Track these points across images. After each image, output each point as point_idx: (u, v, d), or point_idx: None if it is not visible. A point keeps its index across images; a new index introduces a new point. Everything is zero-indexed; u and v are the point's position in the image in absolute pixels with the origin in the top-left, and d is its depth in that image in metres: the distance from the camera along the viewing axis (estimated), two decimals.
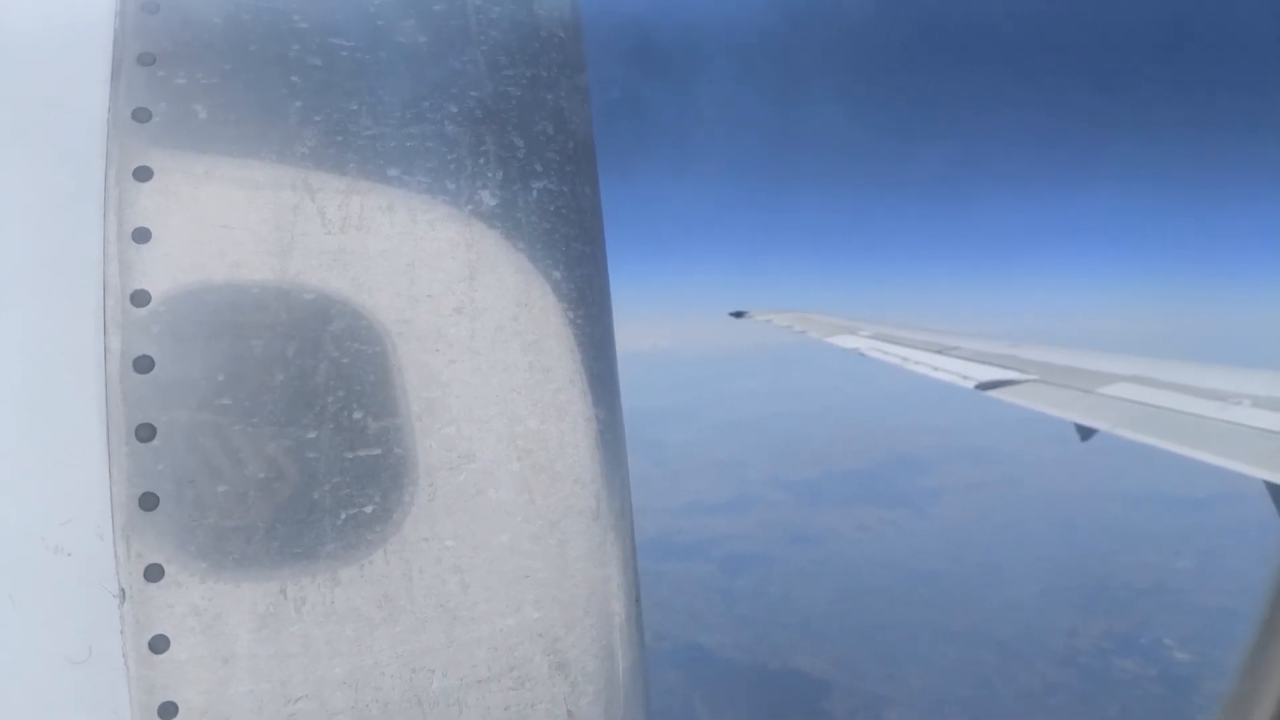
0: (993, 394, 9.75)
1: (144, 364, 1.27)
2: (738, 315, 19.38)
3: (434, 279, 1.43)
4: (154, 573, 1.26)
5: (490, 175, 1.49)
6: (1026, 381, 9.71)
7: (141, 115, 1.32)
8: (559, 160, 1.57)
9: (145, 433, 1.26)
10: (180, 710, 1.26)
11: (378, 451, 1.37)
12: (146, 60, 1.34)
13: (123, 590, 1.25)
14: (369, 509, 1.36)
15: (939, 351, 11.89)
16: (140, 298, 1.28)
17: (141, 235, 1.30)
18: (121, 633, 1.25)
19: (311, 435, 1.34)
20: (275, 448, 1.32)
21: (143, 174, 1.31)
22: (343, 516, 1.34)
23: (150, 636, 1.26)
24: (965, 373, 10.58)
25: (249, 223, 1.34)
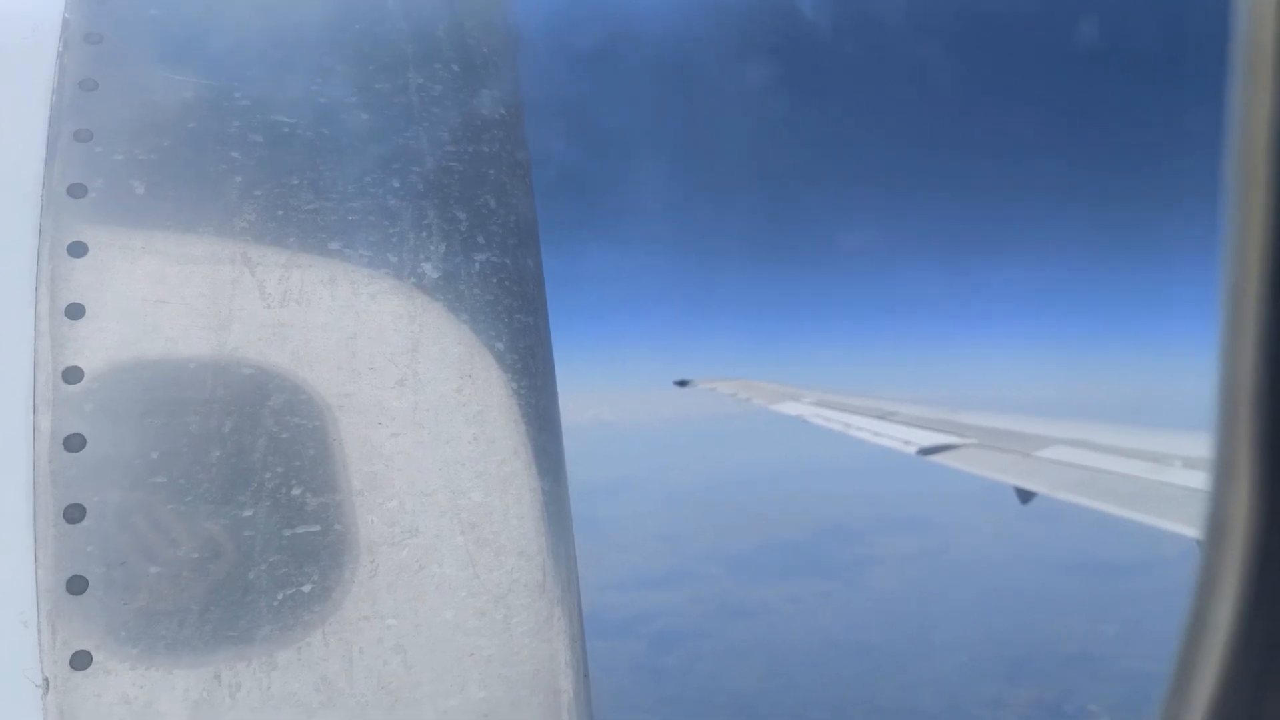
0: (934, 458, 9.90)
1: (75, 442, 1.24)
2: (682, 384, 19.50)
3: (377, 351, 1.42)
4: (81, 660, 1.21)
5: (433, 248, 1.49)
6: (965, 446, 9.89)
7: (77, 191, 1.31)
8: (501, 233, 1.58)
9: (75, 514, 1.22)
10: None
11: (317, 528, 1.34)
12: (84, 136, 1.33)
13: (46, 680, 1.19)
14: (307, 588, 1.32)
15: (880, 417, 12.07)
16: (72, 374, 1.25)
17: (75, 311, 1.27)
18: None
19: (248, 513, 1.31)
20: (210, 526, 1.29)
21: (77, 249, 1.29)
22: (280, 597, 1.31)
23: None
24: (906, 438, 10.75)
25: (185, 297, 1.33)
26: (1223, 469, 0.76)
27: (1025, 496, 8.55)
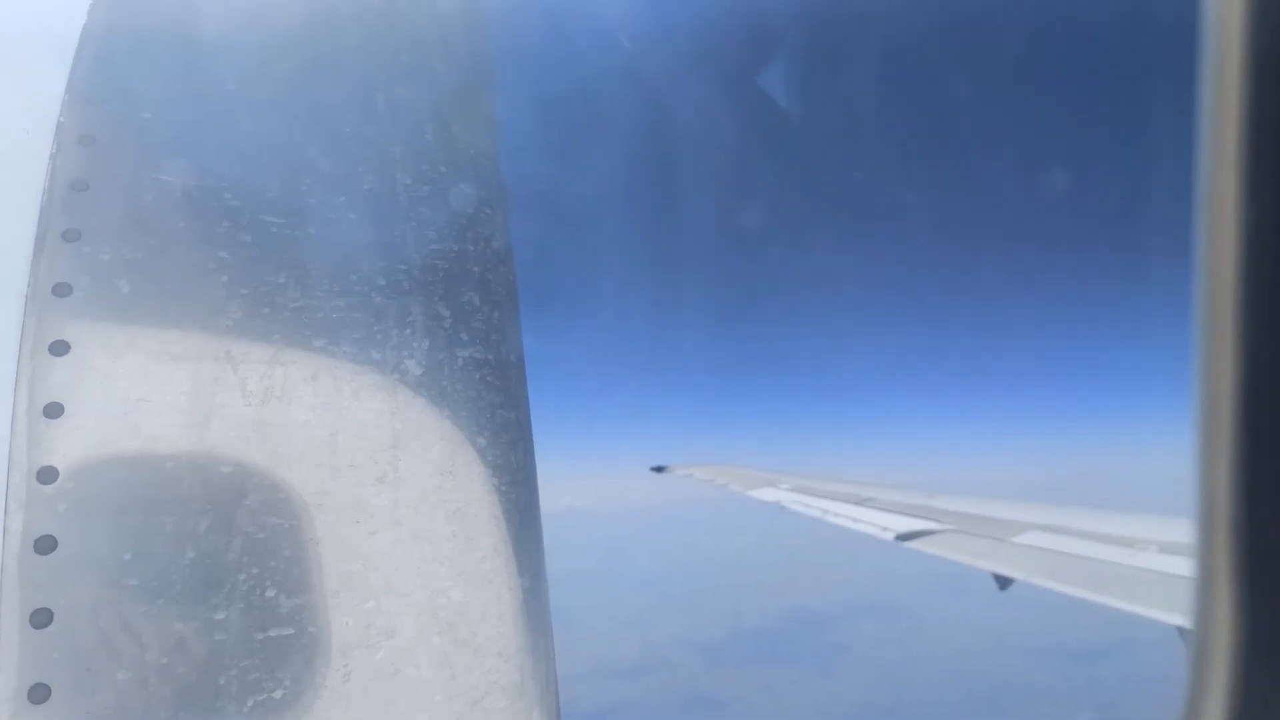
0: (912, 544, 9.86)
1: (45, 544, 1.22)
2: (659, 470, 19.38)
3: (357, 448, 1.41)
4: None
5: (417, 345, 1.50)
6: (943, 531, 9.86)
7: (62, 290, 1.31)
8: (484, 329, 1.60)
9: (41, 618, 1.19)
10: None
11: (290, 631, 1.31)
12: (72, 236, 1.34)
13: None
14: (278, 694, 1.29)
15: (858, 503, 12.03)
16: (47, 474, 1.24)
17: (53, 410, 1.26)
18: None
19: (220, 616, 1.28)
20: (181, 630, 1.26)
21: (59, 348, 1.29)
22: (250, 703, 1.27)
23: None
24: (884, 524, 10.70)
25: (167, 395, 1.32)
26: (1204, 580, 0.77)
27: (1004, 583, 8.52)
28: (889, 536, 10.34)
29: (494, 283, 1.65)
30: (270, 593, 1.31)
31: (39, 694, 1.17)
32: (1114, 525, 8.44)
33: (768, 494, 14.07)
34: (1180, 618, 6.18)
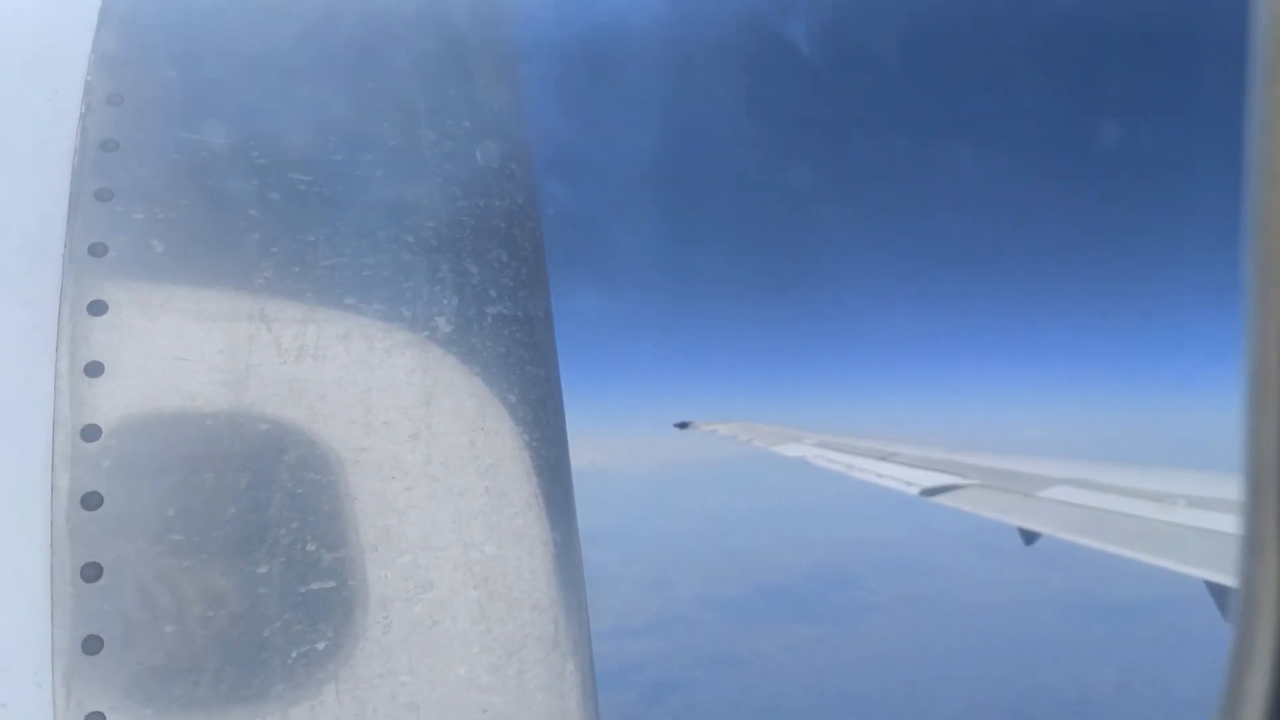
0: (937, 499, 9.86)
1: (92, 500, 1.24)
2: (682, 426, 19.44)
3: (390, 406, 1.43)
4: None
5: (446, 302, 1.51)
6: (968, 486, 9.86)
7: (98, 250, 1.33)
8: (513, 286, 1.60)
9: (91, 572, 1.22)
10: None
11: (331, 584, 1.34)
12: (104, 196, 1.35)
13: None
14: (321, 645, 1.32)
15: (882, 458, 12.03)
16: (91, 432, 1.26)
17: (94, 369, 1.28)
18: None
19: (263, 570, 1.31)
20: (225, 583, 1.29)
21: (97, 308, 1.31)
22: (294, 654, 1.30)
23: None
24: (908, 479, 10.71)
25: (204, 354, 1.34)
26: (1252, 539, 0.76)
27: (1029, 537, 8.51)
28: (914, 492, 10.35)
29: (520, 239, 1.65)
30: (310, 547, 1.33)
31: (92, 645, 1.21)
32: (1143, 479, 8.39)
33: (792, 450, 14.10)
34: (1209, 572, 6.16)
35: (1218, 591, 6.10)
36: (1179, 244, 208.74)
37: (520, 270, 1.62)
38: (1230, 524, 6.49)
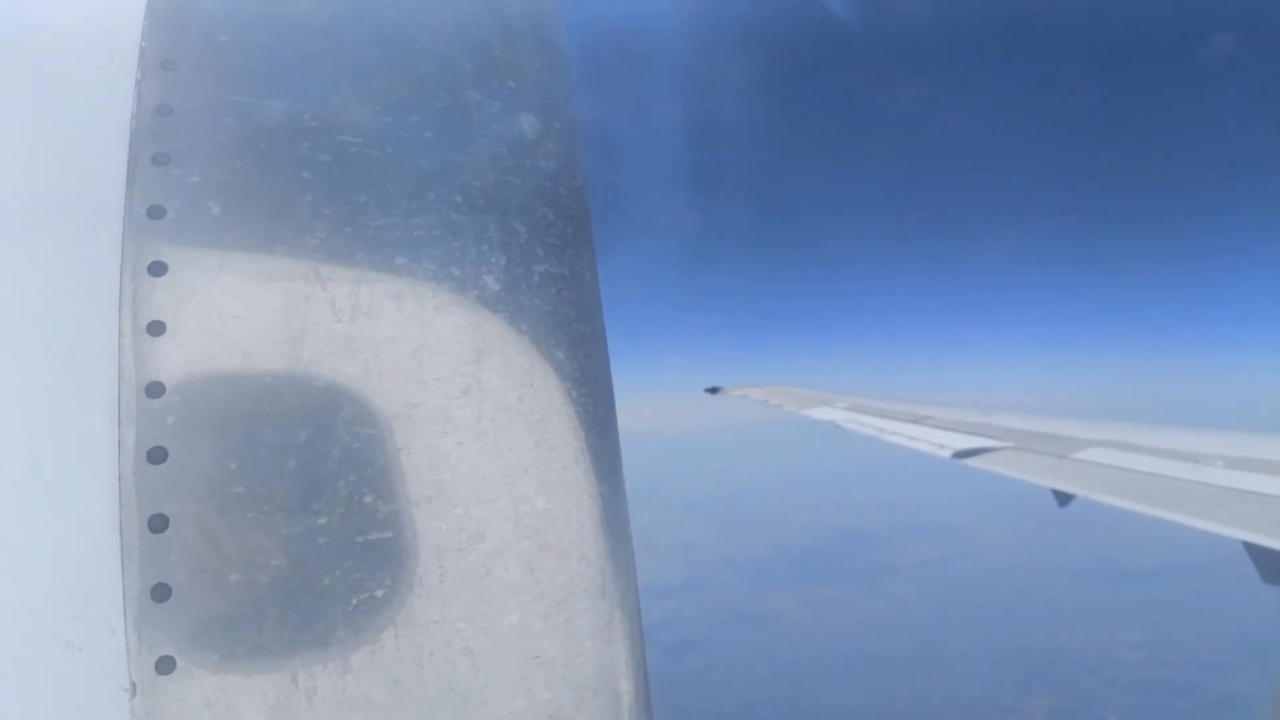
0: (969, 462, 9.82)
1: (158, 455, 1.29)
2: (713, 391, 19.44)
3: (441, 363, 1.46)
4: (165, 665, 1.25)
5: (494, 261, 1.53)
6: (1002, 449, 9.80)
7: (156, 213, 1.36)
8: (559, 245, 1.62)
9: (158, 524, 1.27)
10: None
11: (388, 535, 1.38)
12: (161, 160, 1.39)
13: (134, 684, 1.24)
14: (379, 593, 1.36)
15: (914, 421, 11.98)
16: (154, 389, 1.30)
17: (156, 328, 1.32)
18: None
19: (323, 521, 1.35)
20: (287, 534, 1.33)
21: (157, 269, 1.34)
22: (354, 602, 1.35)
23: None
24: (941, 442, 10.66)
25: (261, 314, 1.38)
26: None
27: (1063, 499, 8.47)
28: (946, 454, 10.31)
29: (566, 197, 1.67)
30: (368, 499, 1.37)
31: (161, 593, 1.26)
32: (1179, 441, 8.30)
33: (823, 413, 14.07)
34: (1248, 533, 6.10)
35: (1256, 553, 6.06)
36: (1218, 202, 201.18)
37: (566, 229, 1.64)
38: (1270, 485, 6.42)
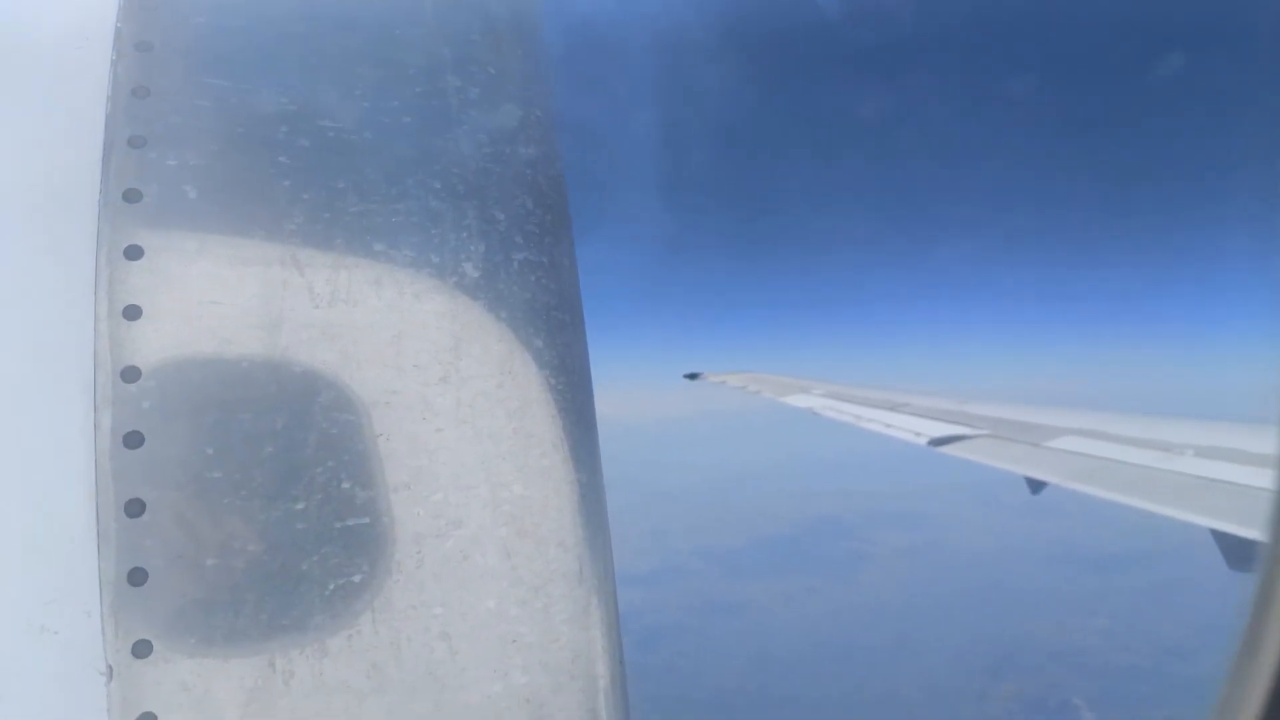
0: (945, 449, 9.92)
1: (134, 439, 1.28)
2: (692, 377, 19.49)
3: (420, 349, 1.46)
4: (142, 649, 1.25)
5: (473, 248, 1.54)
6: (977, 436, 9.91)
7: (132, 196, 1.35)
8: (538, 233, 1.62)
9: (135, 508, 1.27)
10: None
11: (366, 520, 1.38)
12: (137, 143, 1.37)
13: (110, 668, 1.24)
14: (357, 578, 1.37)
15: (891, 409, 12.08)
16: (130, 374, 1.30)
17: (132, 312, 1.32)
18: (109, 711, 1.23)
19: (300, 506, 1.35)
20: (264, 519, 1.33)
21: (133, 253, 1.34)
22: (331, 587, 1.35)
23: (138, 715, 1.24)
24: (917, 429, 10.76)
25: (238, 298, 1.37)
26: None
27: (1036, 487, 8.58)
28: (922, 442, 10.40)
29: (545, 186, 1.67)
30: (346, 485, 1.37)
31: (137, 577, 1.26)
32: (1151, 430, 8.42)
33: (800, 400, 14.16)
34: (1215, 521, 6.21)
35: (1223, 540, 6.17)
36: (1202, 194, 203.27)
37: (545, 217, 1.65)
38: (1238, 474, 6.53)
